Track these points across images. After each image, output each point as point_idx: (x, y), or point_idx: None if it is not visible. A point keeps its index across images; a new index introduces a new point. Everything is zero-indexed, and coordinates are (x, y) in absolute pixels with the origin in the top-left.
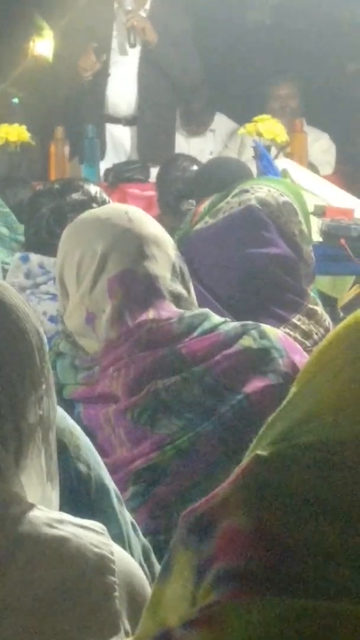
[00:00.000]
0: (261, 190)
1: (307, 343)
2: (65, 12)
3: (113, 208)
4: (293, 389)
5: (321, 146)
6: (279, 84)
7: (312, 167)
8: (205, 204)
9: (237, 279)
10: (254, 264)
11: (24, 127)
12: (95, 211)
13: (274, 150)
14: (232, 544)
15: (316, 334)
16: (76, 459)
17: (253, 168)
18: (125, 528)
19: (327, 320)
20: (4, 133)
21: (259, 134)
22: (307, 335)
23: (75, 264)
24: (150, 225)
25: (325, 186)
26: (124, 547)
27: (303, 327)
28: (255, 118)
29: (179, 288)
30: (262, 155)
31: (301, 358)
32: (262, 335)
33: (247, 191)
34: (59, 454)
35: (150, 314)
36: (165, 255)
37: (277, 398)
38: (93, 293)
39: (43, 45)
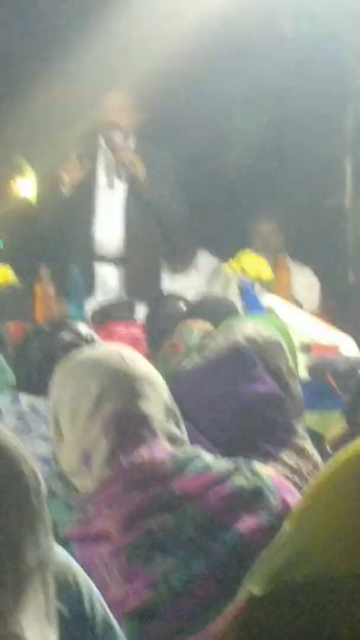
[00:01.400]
0: (247, 327)
1: (296, 479)
2: (48, 149)
3: (106, 349)
4: (285, 527)
5: (305, 281)
6: (260, 220)
7: (297, 303)
8: (190, 339)
9: (225, 416)
10: (242, 402)
11: (8, 268)
12: (89, 351)
13: (258, 287)
14: None
15: (304, 470)
16: (78, 599)
17: (238, 305)
18: None
19: (316, 456)
20: None
21: (243, 271)
22: (295, 471)
23: (69, 404)
24: (143, 365)
25: (310, 322)
26: None
27: (291, 463)
28: (238, 253)
29: (171, 427)
30: (246, 292)
31: (292, 496)
32: (254, 473)
33: (232, 328)
34: (62, 594)
35: (144, 453)
36: (158, 395)
37: (269, 536)
38: (88, 432)
39: (25, 185)
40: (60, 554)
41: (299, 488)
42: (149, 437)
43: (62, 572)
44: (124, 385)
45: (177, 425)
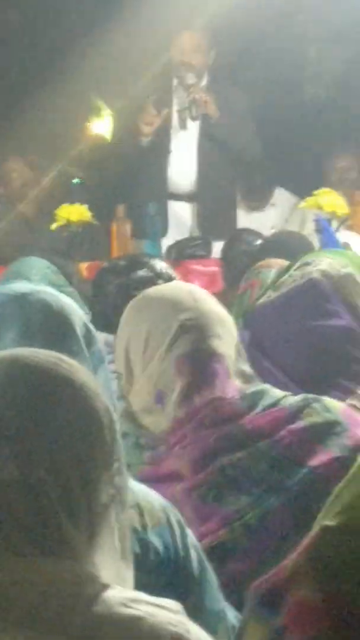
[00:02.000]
0: (323, 263)
1: None
2: (123, 90)
3: (178, 287)
4: (359, 460)
5: None
6: (337, 156)
7: None
8: (267, 277)
9: (301, 352)
10: (317, 337)
11: (85, 207)
12: (160, 289)
13: (335, 223)
14: (303, 616)
15: None
16: (172, 538)
17: (315, 241)
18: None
19: None
20: (65, 213)
21: (320, 207)
22: None
23: (142, 342)
24: (214, 304)
25: None
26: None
27: None
28: (316, 192)
29: (242, 365)
30: (323, 229)
31: None
32: (325, 408)
33: (309, 264)
34: (155, 532)
35: (216, 392)
36: (229, 333)
37: (342, 470)
38: (162, 371)
39: (101, 125)
40: (144, 490)
41: None
42: (221, 376)
43: (157, 510)
44: (197, 324)
45: (247, 363)
